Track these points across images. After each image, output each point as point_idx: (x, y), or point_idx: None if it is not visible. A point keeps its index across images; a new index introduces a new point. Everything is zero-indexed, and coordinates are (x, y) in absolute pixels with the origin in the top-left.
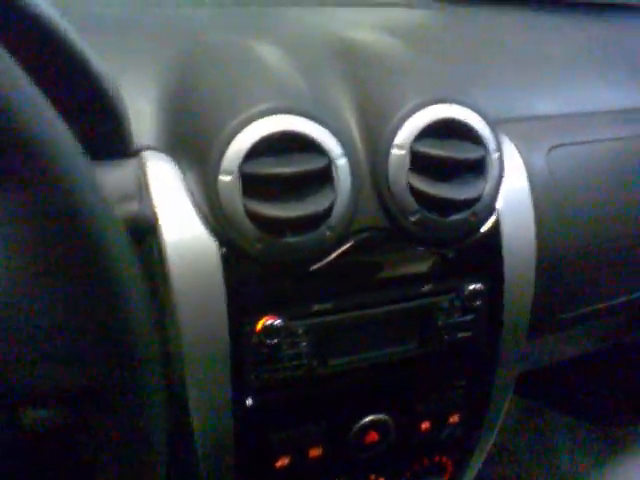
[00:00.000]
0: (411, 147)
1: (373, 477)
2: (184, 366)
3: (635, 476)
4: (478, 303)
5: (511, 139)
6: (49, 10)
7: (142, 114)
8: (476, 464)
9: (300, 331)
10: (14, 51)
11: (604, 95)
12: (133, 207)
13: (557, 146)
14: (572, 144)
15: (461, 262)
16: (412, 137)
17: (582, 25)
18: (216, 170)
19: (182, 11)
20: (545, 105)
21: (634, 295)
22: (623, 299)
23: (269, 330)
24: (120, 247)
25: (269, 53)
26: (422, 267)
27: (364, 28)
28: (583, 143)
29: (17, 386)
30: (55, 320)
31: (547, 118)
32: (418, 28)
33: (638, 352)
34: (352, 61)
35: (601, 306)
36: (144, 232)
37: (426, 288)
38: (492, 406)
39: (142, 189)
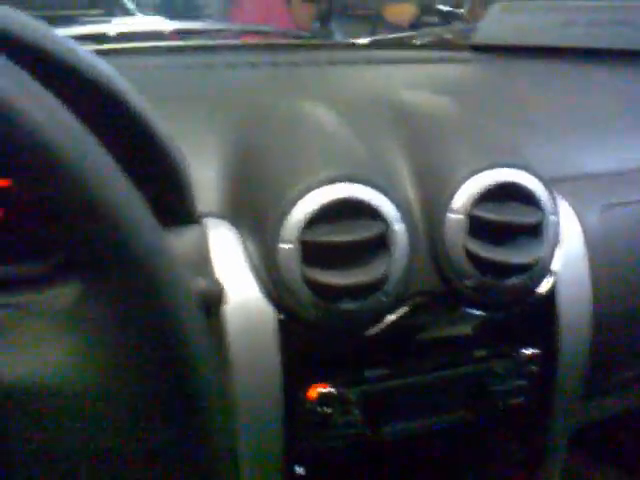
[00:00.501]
0: (469, 212)
1: None
2: (236, 434)
3: None
4: (533, 368)
5: (564, 198)
6: (123, 84)
7: (203, 181)
8: None
9: (353, 398)
10: (93, 129)
11: None
12: (202, 282)
13: (611, 205)
14: (626, 203)
15: (516, 326)
16: (470, 202)
17: (623, 75)
18: (275, 238)
19: (237, 73)
20: (596, 162)
21: None
22: None
23: (322, 398)
24: (196, 324)
25: (326, 117)
26: (476, 331)
27: (417, 88)
28: (637, 202)
29: None
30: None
31: (599, 176)
32: (470, 84)
33: None
34: (407, 124)
35: None
36: (212, 305)
37: (480, 353)
38: (544, 470)
39: (207, 257)
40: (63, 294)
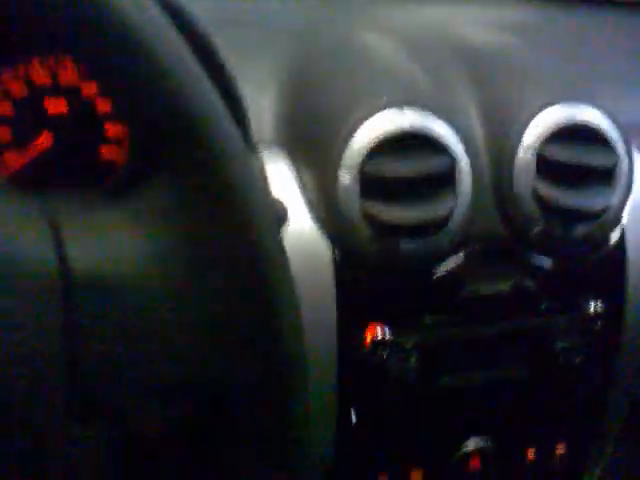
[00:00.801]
0: (538, 151)
1: None
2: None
3: None
4: (598, 325)
5: (637, 148)
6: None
7: (260, 109)
8: None
9: (409, 345)
10: None
11: None
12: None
13: None
14: None
15: (583, 279)
16: (540, 140)
17: None
18: (335, 167)
19: (292, 3)
20: None
21: None
22: None
23: (377, 341)
24: (275, 238)
25: (391, 49)
26: (540, 282)
27: (483, 26)
28: None
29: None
30: (213, 310)
31: None
32: (537, 25)
33: None
34: (474, 62)
35: None
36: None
37: (544, 305)
38: (602, 439)
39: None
40: (146, 189)
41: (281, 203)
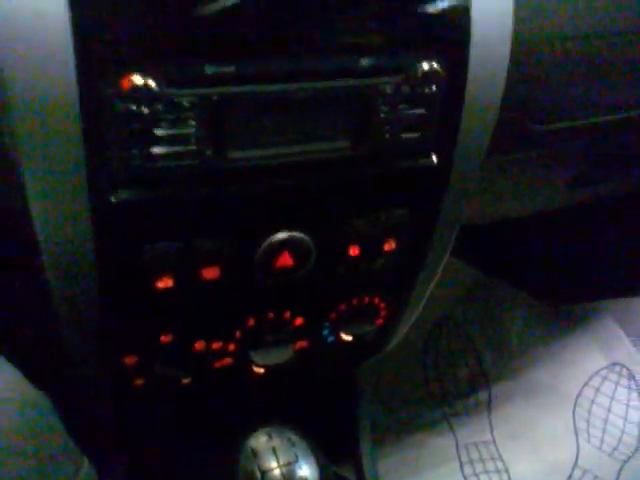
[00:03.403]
0: None
1: (288, 315)
2: (20, 153)
3: (583, 351)
4: (432, 90)
5: None
6: None
7: None
8: (412, 313)
9: (186, 103)
10: None
11: None
12: None
13: None
14: None
15: (416, 30)
16: None
17: None
18: None
19: None
20: None
21: (619, 116)
22: (607, 118)
23: (140, 94)
24: None
25: None
26: (363, 30)
27: None
28: None
29: None
30: None
31: None
32: None
33: (595, 219)
34: None
35: (582, 123)
36: None
37: (366, 62)
38: (435, 241)
39: None
40: None
41: None
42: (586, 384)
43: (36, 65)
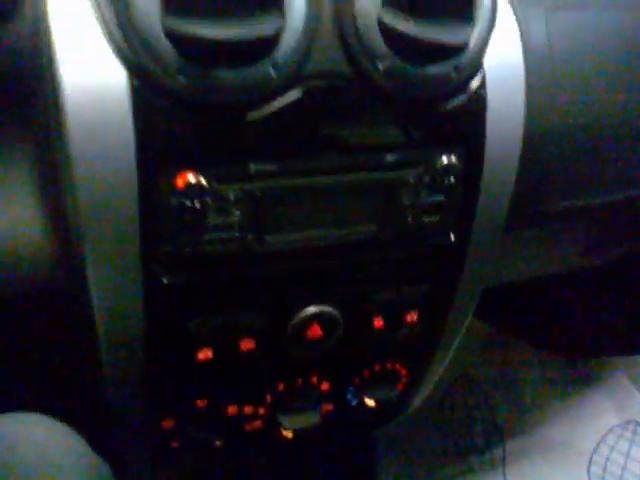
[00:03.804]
0: None
1: (316, 380)
2: (83, 236)
3: (597, 407)
4: (451, 181)
5: None
6: None
7: None
8: (432, 377)
9: (232, 196)
10: None
11: None
12: None
13: (558, 8)
14: (576, 7)
15: (435, 130)
16: None
17: None
18: None
19: None
20: None
21: (629, 193)
22: (618, 196)
23: (192, 191)
24: None
25: None
26: (388, 131)
27: None
28: (588, 8)
29: None
30: None
31: None
32: None
33: (610, 278)
34: None
35: (590, 202)
36: None
37: (391, 158)
38: (455, 310)
39: None
40: None
41: None
42: (601, 441)
43: (102, 160)
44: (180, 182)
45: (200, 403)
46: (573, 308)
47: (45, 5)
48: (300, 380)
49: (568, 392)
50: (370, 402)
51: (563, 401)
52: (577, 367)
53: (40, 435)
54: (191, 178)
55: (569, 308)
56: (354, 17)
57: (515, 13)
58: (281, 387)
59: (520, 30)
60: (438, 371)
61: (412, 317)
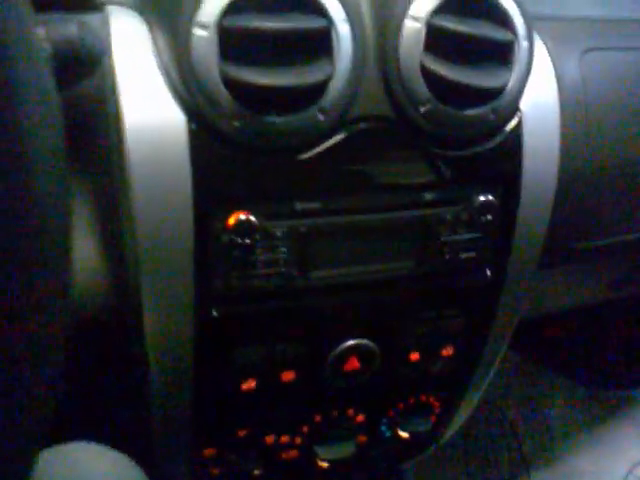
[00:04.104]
0: (428, 20)
1: (351, 412)
2: (140, 266)
3: (624, 439)
4: (488, 218)
5: (541, 38)
6: None
7: None
8: (465, 411)
9: (279, 233)
10: None
11: None
12: (71, 29)
13: (591, 49)
14: (608, 49)
15: (473, 169)
16: (431, 8)
17: None
18: (189, 23)
19: None
20: (579, 5)
21: None
22: None
23: (242, 228)
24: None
25: None
26: (428, 171)
27: None
28: (621, 49)
29: None
30: None
31: (582, 20)
32: None
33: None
34: None
35: (623, 239)
36: (82, 61)
37: (430, 196)
38: (489, 344)
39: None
40: None
41: (90, 41)
42: (630, 472)
43: (160, 196)
44: (232, 220)
45: (241, 432)
46: (602, 339)
47: (111, 54)
48: (336, 412)
49: (595, 422)
50: (404, 434)
51: (590, 431)
52: (604, 397)
53: (107, 466)
54: (242, 216)
55: (598, 339)
56: (397, 62)
57: (550, 54)
58: (318, 418)
59: (555, 71)
60: (472, 403)
61: (448, 351)
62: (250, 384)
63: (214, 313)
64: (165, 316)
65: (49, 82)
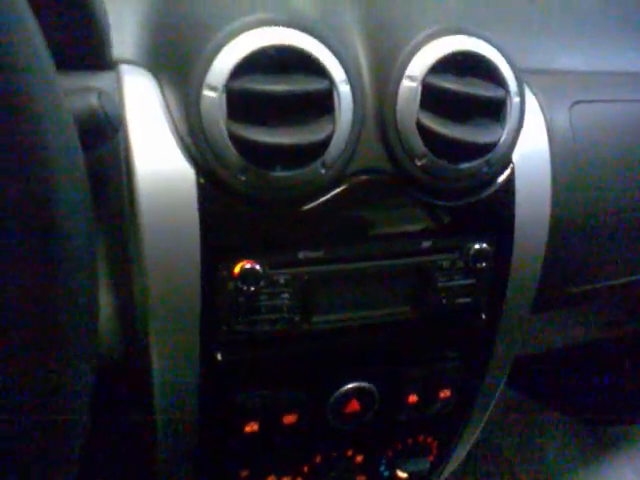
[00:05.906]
0: (424, 80)
1: (350, 452)
2: (148, 311)
3: (621, 475)
4: (483, 265)
5: (532, 91)
6: None
7: (123, 25)
8: (462, 450)
9: (282, 281)
10: None
11: (629, 55)
12: (91, 100)
13: (580, 102)
14: (597, 101)
15: (468, 218)
16: (426, 68)
17: None
18: (199, 85)
19: None
20: (569, 59)
21: None
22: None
23: (247, 276)
24: (61, 138)
25: None
26: (425, 220)
27: None
28: (608, 102)
29: None
30: None
31: (570, 73)
32: None
33: (634, 348)
34: None
35: (615, 283)
36: (102, 129)
37: (427, 244)
38: (486, 385)
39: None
40: None
41: (110, 109)
42: None
43: (169, 246)
44: (237, 269)
45: (243, 473)
46: (597, 375)
47: (125, 114)
48: (336, 452)
49: (592, 459)
50: (402, 474)
51: (587, 467)
52: (601, 433)
53: None
54: (247, 265)
55: (593, 375)
56: (395, 119)
57: (540, 106)
58: (318, 459)
59: (545, 122)
60: (469, 442)
61: (445, 393)
62: (253, 427)
63: (219, 357)
64: (171, 359)
65: (77, 149)
